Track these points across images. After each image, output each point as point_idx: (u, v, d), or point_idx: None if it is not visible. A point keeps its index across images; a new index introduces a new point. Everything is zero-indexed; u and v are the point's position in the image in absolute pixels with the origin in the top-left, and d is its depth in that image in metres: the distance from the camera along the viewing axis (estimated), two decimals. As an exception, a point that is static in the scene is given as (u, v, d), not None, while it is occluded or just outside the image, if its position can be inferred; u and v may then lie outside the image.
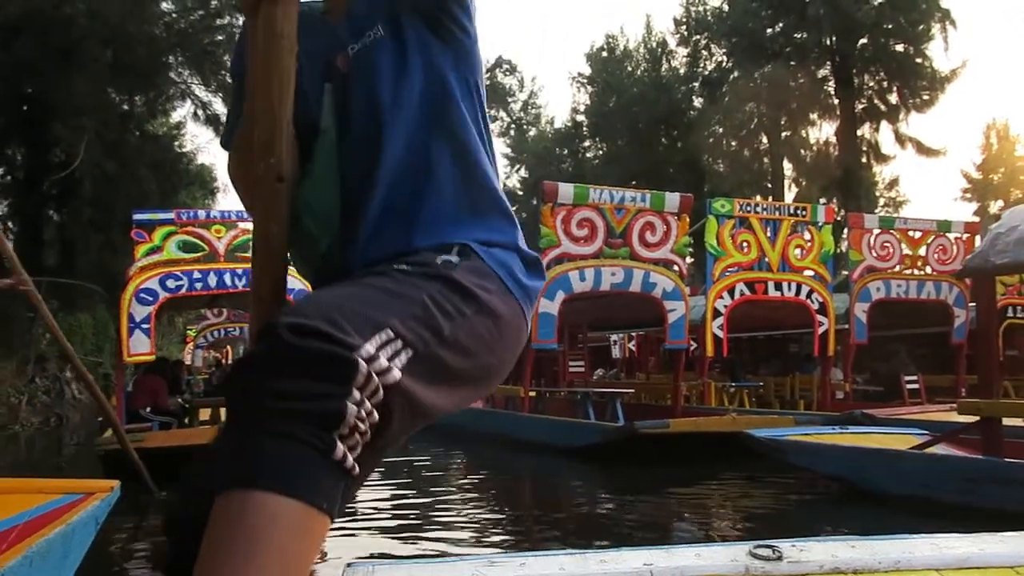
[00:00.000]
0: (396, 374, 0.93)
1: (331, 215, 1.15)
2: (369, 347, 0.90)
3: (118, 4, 13.18)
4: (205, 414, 10.00)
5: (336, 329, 0.88)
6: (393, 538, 5.37)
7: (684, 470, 8.38)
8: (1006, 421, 6.56)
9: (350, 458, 0.87)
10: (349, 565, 1.57)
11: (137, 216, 9.61)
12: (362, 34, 1.16)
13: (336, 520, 0.90)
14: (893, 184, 29.79)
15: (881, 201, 29.43)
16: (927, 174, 67.00)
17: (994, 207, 30.44)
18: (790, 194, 28.07)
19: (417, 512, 6.42)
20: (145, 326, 9.11)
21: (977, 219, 19.23)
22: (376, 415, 0.90)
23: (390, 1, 1.16)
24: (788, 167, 27.41)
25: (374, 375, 0.89)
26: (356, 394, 0.87)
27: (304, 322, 0.87)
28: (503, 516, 6.68)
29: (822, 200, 27.16)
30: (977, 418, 5.93)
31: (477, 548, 5.20)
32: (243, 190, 1.22)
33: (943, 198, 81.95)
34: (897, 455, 6.29)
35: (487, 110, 1.27)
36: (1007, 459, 5.73)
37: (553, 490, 8.53)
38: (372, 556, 4.43)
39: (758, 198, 27.66)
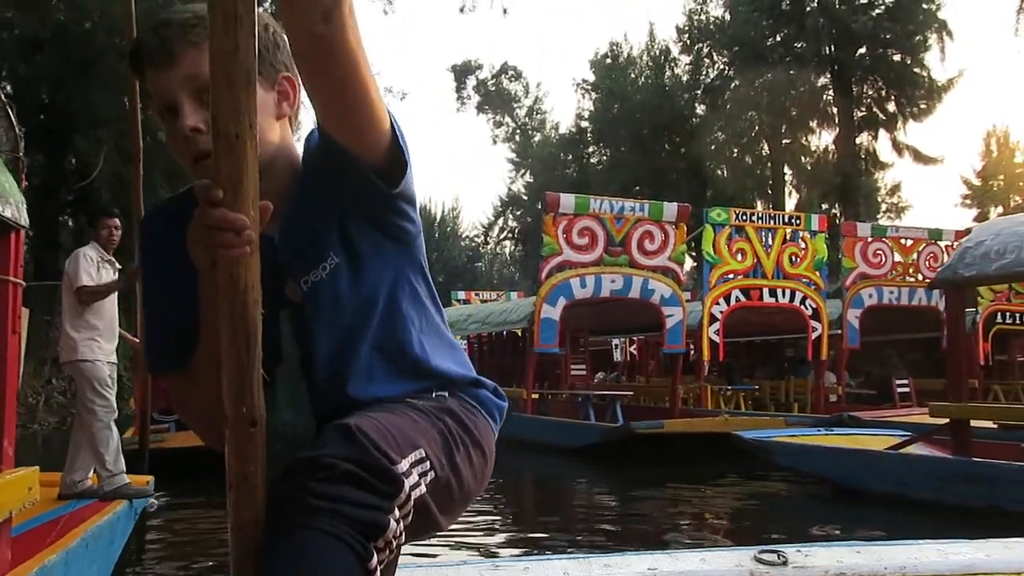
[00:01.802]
0: (423, 490, 1.01)
1: (301, 437, 1.15)
2: (405, 464, 0.99)
3: (137, 18, 13.66)
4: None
5: (386, 447, 0.96)
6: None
7: (678, 468, 8.79)
8: (980, 424, 7.00)
9: (379, 571, 0.93)
10: None
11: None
12: (316, 265, 1.14)
13: None
14: (895, 190, 29.99)
15: (883, 207, 29.66)
16: (929, 180, 67.08)
17: (993, 213, 30.69)
18: (791, 200, 28.43)
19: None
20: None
21: (971, 227, 19.55)
22: (404, 534, 0.97)
23: (339, 227, 1.14)
24: (789, 174, 27.78)
25: (411, 494, 0.98)
26: (397, 512, 0.94)
27: (359, 438, 0.95)
28: (506, 513, 7.08)
29: (824, 205, 27.53)
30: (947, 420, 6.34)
31: (480, 543, 5.45)
32: (204, 426, 1.17)
33: (945, 204, 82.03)
34: (874, 455, 6.70)
35: (428, 273, 1.30)
36: (975, 459, 6.14)
37: (554, 487, 8.95)
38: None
39: (759, 204, 28.02)
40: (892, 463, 6.54)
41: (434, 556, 4.91)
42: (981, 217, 30.69)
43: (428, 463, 1.04)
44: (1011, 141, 32.08)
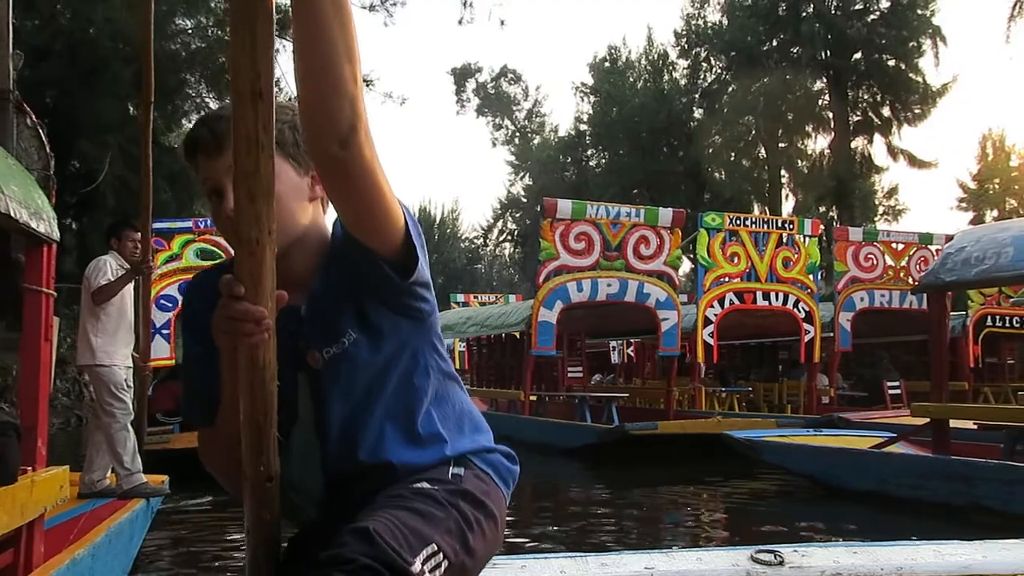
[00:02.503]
0: None
1: (313, 491, 1.29)
2: (418, 563, 1.07)
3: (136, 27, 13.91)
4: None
5: (398, 547, 1.06)
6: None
7: (671, 468, 9.02)
8: (963, 424, 7.22)
9: None
10: None
11: (156, 225, 10.18)
12: (336, 340, 1.23)
13: None
14: (892, 193, 30.15)
15: (880, 210, 29.83)
16: (926, 183, 67.24)
17: (989, 216, 30.90)
18: (788, 204, 28.65)
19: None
20: (165, 332, 9.70)
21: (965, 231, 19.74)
22: None
23: (358, 308, 1.24)
24: (785, 177, 28.01)
25: None
26: None
27: (375, 539, 1.05)
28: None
29: (822, 208, 27.75)
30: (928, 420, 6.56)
31: None
32: (224, 473, 1.25)
33: (941, 207, 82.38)
34: (857, 454, 6.93)
35: (442, 342, 1.38)
36: (954, 457, 6.36)
37: (551, 486, 9.15)
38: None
39: (756, 207, 28.25)
40: (874, 462, 6.76)
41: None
42: (977, 220, 30.90)
43: (440, 555, 1.12)
44: (1006, 145, 32.34)
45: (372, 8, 12.92)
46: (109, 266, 4.74)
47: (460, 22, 28.28)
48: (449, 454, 1.29)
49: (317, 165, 1.10)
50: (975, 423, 7.08)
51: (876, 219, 28.28)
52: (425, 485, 1.22)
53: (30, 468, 2.62)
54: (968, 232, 6.69)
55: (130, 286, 4.86)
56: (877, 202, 29.30)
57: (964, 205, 32.85)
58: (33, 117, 3.08)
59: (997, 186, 31.67)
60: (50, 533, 3.35)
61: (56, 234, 2.85)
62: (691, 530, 6.49)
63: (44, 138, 2.99)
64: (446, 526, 1.17)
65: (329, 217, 1.30)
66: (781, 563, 1.60)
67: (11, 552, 2.53)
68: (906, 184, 37.60)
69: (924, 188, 64.24)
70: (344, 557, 1.02)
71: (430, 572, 1.09)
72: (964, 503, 6.03)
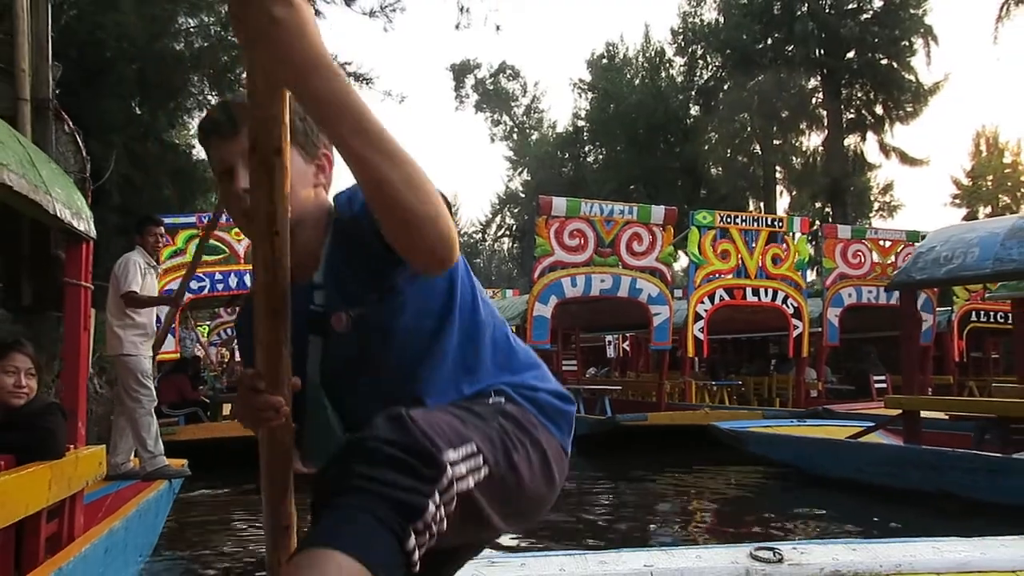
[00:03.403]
0: (471, 483, 1.05)
1: (327, 453, 1.23)
2: (453, 455, 1.03)
3: (144, 27, 14.15)
4: (227, 409, 10.73)
5: (433, 435, 1.02)
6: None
7: (660, 457, 9.37)
8: (937, 415, 7.55)
9: (417, 553, 0.96)
10: None
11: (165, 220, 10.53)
12: (359, 301, 1.22)
13: None
14: (887, 189, 30.35)
15: (876, 205, 30.06)
16: (921, 180, 67.69)
17: (982, 213, 31.16)
18: (782, 200, 28.96)
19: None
20: (170, 325, 10.03)
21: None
22: (446, 522, 1.00)
23: (374, 268, 1.20)
24: (780, 174, 28.32)
25: (454, 482, 1.01)
26: (437, 496, 0.98)
27: (408, 425, 1.01)
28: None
29: (818, 204, 28.04)
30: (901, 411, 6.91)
31: None
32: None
33: (936, 203, 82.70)
34: (833, 443, 7.27)
35: (476, 283, 1.34)
36: (924, 446, 6.70)
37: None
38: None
39: (751, 204, 28.56)
40: (849, 451, 7.10)
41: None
42: (970, 216, 31.14)
43: (481, 458, 1.08)
44: (1000, 142, 32.60)
45: (372, 14, 13.21)
46: (137, 265, 5.02)
47: (457, 27, 28.21)
48: (485, 387, 1.26)
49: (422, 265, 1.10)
50: (947, 414, 7.42)
51: (871, 215, 28.53)
52: (466, 404, 1.20)
53: (72, 446, 2.88)
54: (939, 232, 7.02)
55: (153, 280, 5.17)
56: (873, 198, 29.53)
57: (958, 201, 33.12)
58: (70, 124, 3.40)
59: (990, 183, 31.93)
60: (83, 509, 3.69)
61: (93, 232, 3.15)
62: (676, 517, 6.83)
63: (80, 143, 3.30)
64: (486, 433, 1.13)
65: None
66: (780, 560, 1.60)
67: (56, 522, 2.75)
68: (901, 181, 38.04)
69: (919, 184, 64.39)
70: (367, 446, 0.99)
71: (469, 473, 1.05)
72: (933, 489, 6.36)
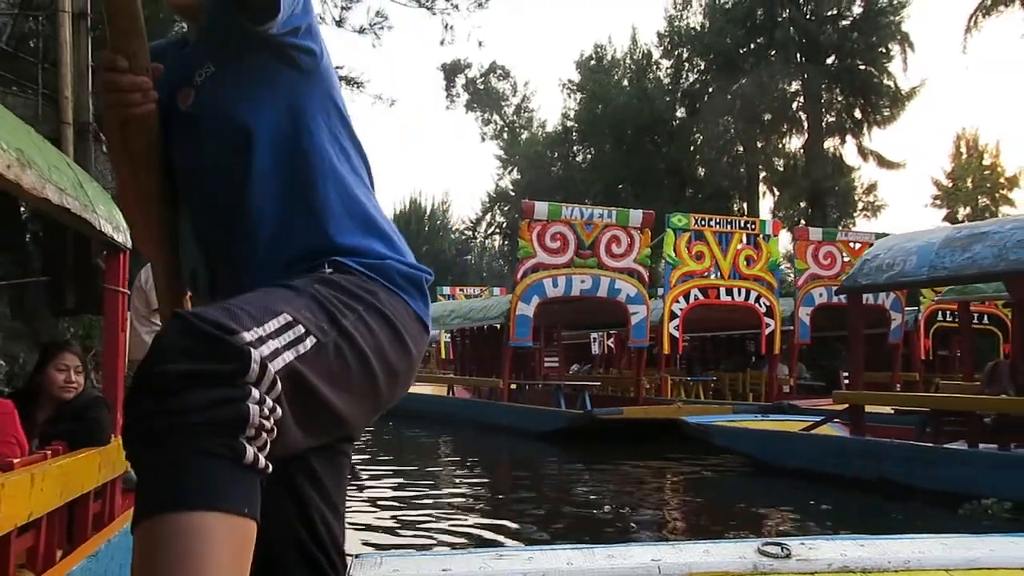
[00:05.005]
0: (290, 357, 0.91)
1: (201, 279, 1.18)
2: (256, 332, 0.88)
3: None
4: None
5: (225, 319, 0.86)
6: (387, 527, 5.65)
7: (634, 449, 9.95)
8: (883, 409, 8.15)
9: (261, 458, 0.85)
10: (357, 556, 1.60)
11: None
12: (198, 68, 1.11)
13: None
14: (871, 190, 30.90)
15: (860, 205, 30.64)
16: (904, 181, 68.60)
17: (961, 213, 31.82)
18: (766, 201, 29.56)
19: (411, 494, 7.16)
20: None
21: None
22: (279, 410, 0.87)
23: (224, 39, 1.09)
24: (763, 176, 28.93)
25: (267, 362, 0.86)
26: (255, 393, 0.84)
27: (194, 324, 0.85)
28: (485, 491, 8.16)
29: (803, 204, 28.63)
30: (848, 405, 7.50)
31: (471, 523, 5.90)
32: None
33: (917, 204, 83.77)
34: (786, 436, 7.86)
35: (352, 128, 1.20)
36: (867, 438, 7.29)
37: (527, 466, 10.04)
38: (366, 545, 4.87)
39: (735, 205, 29.15)
40: (801, 442, 7.69)
41: (420, 535, 5.41)
42: (950, 217, 31.81)
43: (300, 328, 0.94)
44: (979, 144, 33.24)
45: (362, 31, 13.80)
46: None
47: (442, 43, 28.83)
48: (321, 245, 1.11)
49: None
50: (892, 408, 8.02)
51: (856, 215, 29.11)
52: (283, 279, 1.05)
53: (114, 435, 3.23)
54: (883, 242, 7.60)
55: None
56: (857, 198, 30.11)
57: (938, 202, 33.76)
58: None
59: (970, 184, 32.57)
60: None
61: (129, 243, 3.60)
62: (641, 501, 7.37)
63: (116, 161, 3.76)
64: (300, 303, 0.98)
65: None
66: (788, 556, 1.59)
67: (100, 502, 3.10)
68: (885, 182, 38.63)
69: (901, 186, 65.35)
70: (153, 375, 0.83)
71: (285, 348, 0.91)
72: (873, 477, 6.95)
